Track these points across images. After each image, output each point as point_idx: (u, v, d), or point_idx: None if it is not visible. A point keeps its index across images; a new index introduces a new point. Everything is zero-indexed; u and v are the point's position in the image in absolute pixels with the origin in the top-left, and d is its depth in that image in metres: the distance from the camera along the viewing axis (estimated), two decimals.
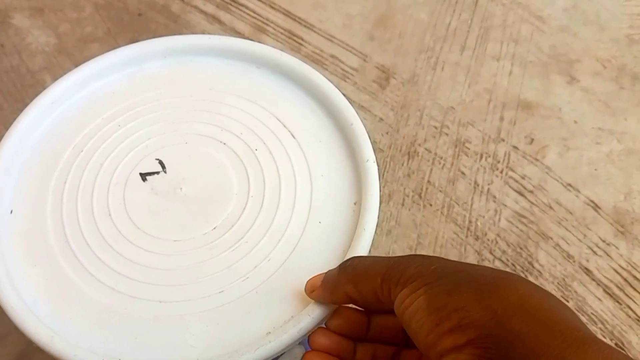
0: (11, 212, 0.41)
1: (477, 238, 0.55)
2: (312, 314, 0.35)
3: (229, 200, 0.41)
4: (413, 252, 0.55)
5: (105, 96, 0.46)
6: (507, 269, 0.53)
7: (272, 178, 0.42)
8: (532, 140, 0.60)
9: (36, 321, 0.36)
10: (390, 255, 0.54)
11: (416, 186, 0.59)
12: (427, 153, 0.60)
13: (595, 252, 0.55)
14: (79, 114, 0.45)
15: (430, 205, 0.57)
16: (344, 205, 0.41)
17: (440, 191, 0.58)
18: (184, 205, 0.41)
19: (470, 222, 0.56)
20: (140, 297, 0.37)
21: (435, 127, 0.61)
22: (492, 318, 0.26)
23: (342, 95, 0.45)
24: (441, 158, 0.60)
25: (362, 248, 0.38)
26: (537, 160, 0.59)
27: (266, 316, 0.37)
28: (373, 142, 0.39)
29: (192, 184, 0.42)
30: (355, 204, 0.41)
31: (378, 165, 0.41)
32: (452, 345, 0.26)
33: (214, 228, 0.40)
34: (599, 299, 0.53)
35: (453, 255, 0.55)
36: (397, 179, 0.59)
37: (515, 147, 0.60)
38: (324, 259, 0.37)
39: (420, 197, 0.58)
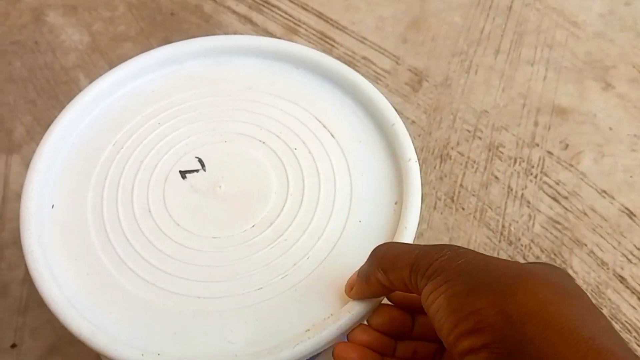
0: (53, 206, 0.41)
1: (510, 243, 0.55)
2: (352, 311, 0.35)
3: (268, 198, 0.41)
4: None
5: (144, 94, 0.46)
6: None
7: (311, 177, 0.42)
8: (567, 145, 0.60)
9: (77, 315, 0.36)
10: None
11: (449, 189, 0.58)
12: (460, 156, 0.60)
13: (629, 260, 0.54)
14: (119, 111, 0.46)
15: (463, 209, 0.57)
16: (385, 205, 0.41)
17: (473, 195, 0.58)
18: (223, 203, 0.41)
19: (503, 227, 0.56)
20: (179, 293, 0.38)
21: (469, 131, 0.61)
22: (506, 323, 0.26)
23: (382, 96, 0.45)
24: (474, 162, 0.59)
25: (406, 239, 0.38)
26: (571, 166, 0.58)
27: (305, 313, 0.36)
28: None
29: (231, 182, 0.42)
30: (396, 203, 0.41)
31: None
32: (469, 348, 0.26)
33: (253, 226, 0.40)
34: (633, 307, 0.52)
35: None
36: (429, 182, 0.59)
37: (549, 153, 0.59)
38: (363, 258, 0.37)
39: (452, 200, 0.58)
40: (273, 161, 0.43)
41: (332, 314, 0.36)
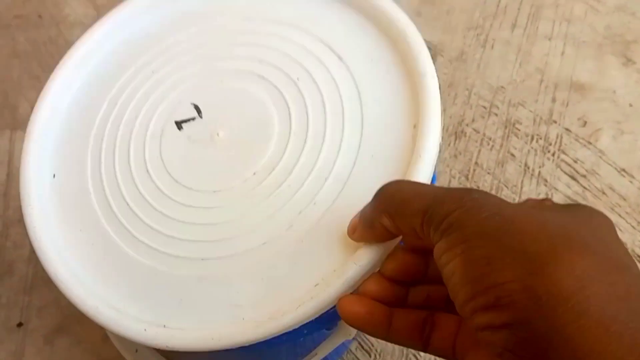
0: (54, 176, 0.39)
1: None
2: (359, 262, 0.32)
3: (269, 140, 0.37)
4: None
5: (137, 42, 0.43)
6: None
7: (316, 110, 0.38)
8: (585, 122, 0.58)
9: (82, 290, 0.35)
10: None
11: (463, 167, 0.57)
12: (475, 134, 0.58)
13: None
14: (112, 65, 0.43)
15: (478, 187, 0.56)
16: (401, 132, 0.36)
17: (488, 173, 0.56)
18: (222, 151, 0.38)
19: None
20: (182, 256, 0.36)
21: (484, 107, 0.59)
22: (534, 304, 0.22)
23: (393, 4, 0.40)
24: (490, 139, 0.58)
25: (422, 175, 0.33)
26: (590, 143, 0.57)
27: (313, 267, 0.33)
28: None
29: (230, 126, 0.39)
30: (414, 127, 0.36)
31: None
32: (487, 324, 0.23)
33: (254, 173, 0.37)
34: None
35: None
36: (444, 159, 0.57)
37: (567, 130, 0.57)
38: None
39: (467, 178, 0.56)
40: (274, 97, 0.39)
41: (342, 264, 0.33)
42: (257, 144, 0.38)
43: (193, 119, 0.40)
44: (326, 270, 0.33)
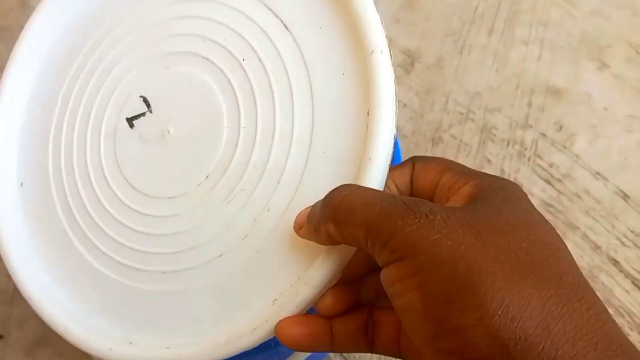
0: (22, 184, 0.38)
1: None
2: (310, 283, 0.30)
3: (220, 136, 0.35)
4: None
5: (82, 23, 0.41)
6: None
7: (264, 97, 0.34)
8: (561, 127, 0.59)
9: (54, 308, 0.35)
10: None
11: None
12: (452, 139, 0.59)
13: (623, 243, 0.53)
14: (59, 56, 0.40)
15: None
16: (354, 119, 0.32)
17: None
18: (174, 151, 0.36)
19: None
20: (144, 269, 0.35)
21: (461, 113, 0.60)
22: (500, 354, 0.20)
23: None
24: (467, 145, 0.58)
25: (373, 177, 0.30)
26: (565, 147, 0.57)
27: (271, 279, 0.32)
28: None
29: (180, 121, 0.36)
30: (368, 114, 0.31)
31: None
32: None
33: (207, 176, 0.35)
34: (627, 291, 0.51)
35: None
36: None
37: (543, 134, 0.58)
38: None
39: None
40: (221, 83, 0.36)
41: (299, 277, 0.31)
42: (208, 141, 0.35)
43: (143, 114, 0.38)
44: (284, 283, 0.32)
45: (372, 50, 0.31)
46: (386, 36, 0.33)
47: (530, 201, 0.27)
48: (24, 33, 0.41)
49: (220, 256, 0.34)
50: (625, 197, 0.55)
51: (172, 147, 0.36)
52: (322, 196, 0.29)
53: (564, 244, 0.25)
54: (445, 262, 0.22)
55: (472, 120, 0.60)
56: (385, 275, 0.24)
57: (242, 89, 0.35)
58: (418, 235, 0.23)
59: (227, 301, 0.33)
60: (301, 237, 0.31)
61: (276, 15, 0.35)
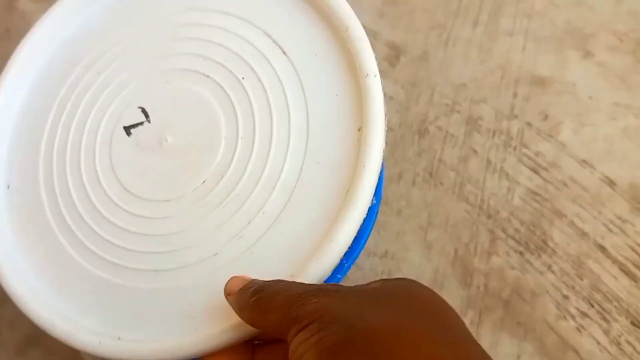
0: (8, 187, 0.39)
1: (489, 217, 0.54)
2: (312, 272, 0.32)
3: (217, 146, 0.37)
4: (424, 233, 0.54)
5: (83, 38, 0.42)
6: (521, 248, 0.52)
7: (262, 112, 0.37)
8: (546, 116, 0.59)
9: (39, 305, 0.35)
10: (399, 236, 0.54)
11: (427, 165, 0.58)
12: (438, 131, 0.59)
13: (610, 230, 0.54)
14: (58, 65, 0.42)
15: (442, 184, 0.56)
16: (346, 134, 0.35)
17: (451, 170, 0.57)
18: (171, 158, 0.38)
19: (482, 200, 0.55)
20: (135, 268, 0.36)
21: (447, 105, 0.60)
22: None
23: None
24: (453, 136, 0.59)
25: (364, 187, 0.33)
26: (551, 136, 0.58)
27: (263, 277, 0.33)
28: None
29: (178, 131, 0.38)
30: (359, 130, 0.35)
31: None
32: None
33: (204, 182, 0.37)
34: (614, 277, 0.52)
35: (465, 235, 0.54)
36: (408, 158, 0.58)
37: (528, 124, 0.58)
38: (323, 208, 0.33)
39: (431, 176, 0.57)
40: (220, 98, 0.38)
41: (291, 275, 0.33)
42: (205, 150, 0.37)
43: (141, 123, 0.39)
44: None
45: (367, 74, 0.36)
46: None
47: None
48: (23, 42, 0.43)
49: (214, 255, 0.35)
50: (611, 184, 0.56)
51: (169, 154, 0.38)
52: (314, 200, 0.33)
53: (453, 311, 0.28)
54: (347, 317, 0.24)
55: (458, 111, 0.60)
56: (292, 345, 0.26)
57: (240, 104, 0.38)
58: (324, 305, 0.26)
59: (221, 297, 0.34)
60: (227, 300, 0.32)
61: (275, 42, 0.39)
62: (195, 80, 0.39)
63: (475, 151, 0.58)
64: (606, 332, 0.49)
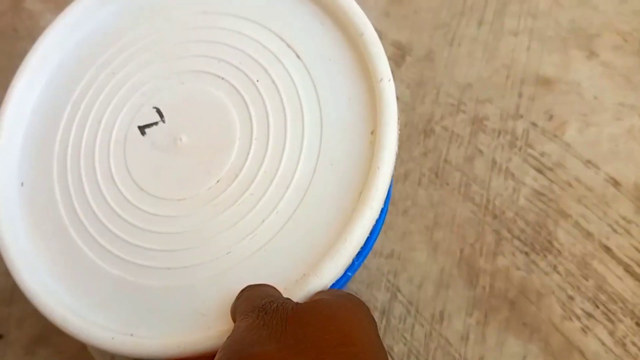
0: (22, 184, 0.39)
1: (495, 217, 0.55)
2: (325, 271, 0.33)
3: (231, 146, 0.38)
4: (430, 233, 0.55)
5: (97, 39, 0.43)
6: (526, 249, 0.53)
7: (276, 114, 0.38)
8: (552, 116, 0.59)
9: (52, 300, 0.35)
10: (405, 236, 0.54)
11: (433, 165, 0.58)
12: (443, 131, 0.59)
13: (615, 230, 0.54)
14: (73, 66, 0.42)
15: (447, 184, 0.57)
16: (360, 137, 0.36)
17: (457, 170, 0.57)
18: (185, 157, 0.38)
19: (488, 200, 0.55)
20: (149, 266, 0.36)
21: (452, 105, 0.61)
22: None
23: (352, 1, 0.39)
24: (458, 136, 0.59)
25: (378, 189, 0.34)
26: (556, 136, 0.58)
27: (277, 275, 0.34)
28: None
29: (192, 131, 0.39)
30: (372, 133, 0.36)
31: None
32: None
33: (218, 181, 0.37)
34: (619, 278, 0.52)
35: (471, 235, 0.54)
36: (414, 158, 0.58)
37: (534, 124, 0.59)
38: (335, 208, 0.34)
39: (436, 176, 0.57)
40: (234, 100, 0.39)
41: (304, 274, 0.33)
42: (219, 150, 0.38)
43: (156, 123, 0.40)
44: (289, 280, 0.34)
45: (381, 79, 0.36)
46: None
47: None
48: (38, 41, 0.42)
49: (228, 253, 0.35)
50: (616, 184, 0.56)
51: (183, 154, 0.38)
52: (328, 200, 0.34)
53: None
54: (239, 341, 0.27)
55: (464, 111, 0.60)
56: None
57: (255, 105, 0.38)
58: (235, 327, 0.28)
59: (233, 295, 0.34)
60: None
61: (289, 46, 0.39)
62: (209, 82, 0.40)
63: (480, 151, 0.58)
64: (611, 333, 0.49)
